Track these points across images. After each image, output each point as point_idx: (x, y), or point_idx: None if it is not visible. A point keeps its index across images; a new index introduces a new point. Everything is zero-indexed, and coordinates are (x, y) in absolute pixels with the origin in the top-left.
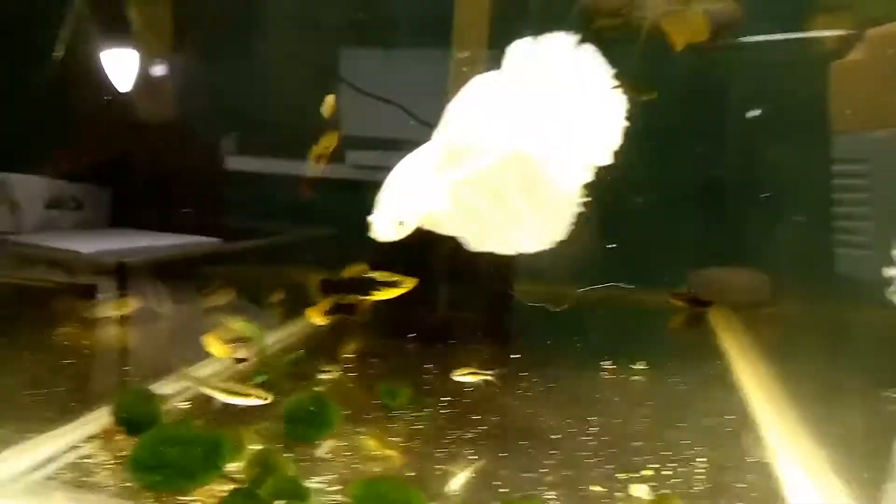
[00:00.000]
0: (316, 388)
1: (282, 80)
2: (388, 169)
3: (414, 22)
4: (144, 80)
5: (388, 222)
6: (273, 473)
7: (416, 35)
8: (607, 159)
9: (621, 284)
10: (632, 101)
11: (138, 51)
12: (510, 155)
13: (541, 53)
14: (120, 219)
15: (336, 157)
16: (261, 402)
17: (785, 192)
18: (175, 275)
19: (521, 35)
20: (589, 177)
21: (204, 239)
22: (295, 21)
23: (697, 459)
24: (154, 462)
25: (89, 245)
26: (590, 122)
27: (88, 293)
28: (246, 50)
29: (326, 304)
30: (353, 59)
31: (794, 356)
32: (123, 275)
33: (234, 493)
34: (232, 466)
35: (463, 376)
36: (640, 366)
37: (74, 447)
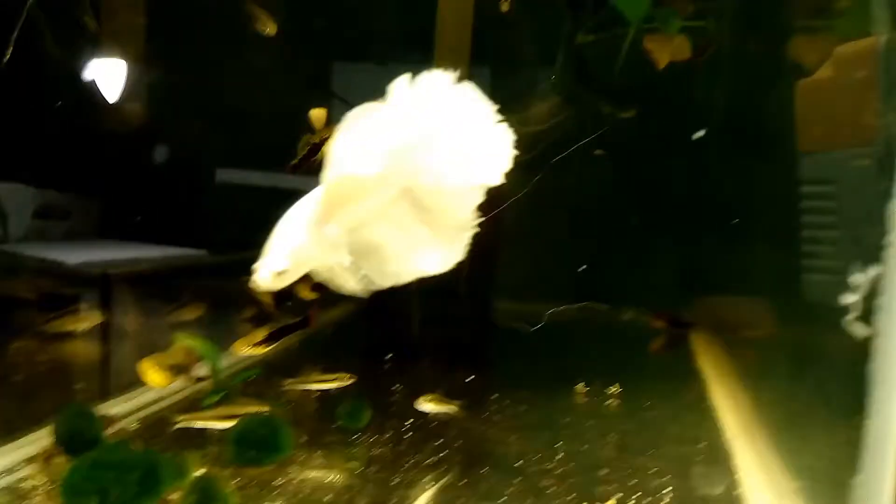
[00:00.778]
0: (274, 408)
1: (266, 91)
2: None
3: (399, 35)
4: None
5: (268, 272)
6: (213, 502)
7: (402, 48)
8: (496, 180)
9: (596, 305)
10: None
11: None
12: (400, 189)
13: (421, 91)
14: (108, 229)
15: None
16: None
17: (761, 212)
18: (158, 287)
19: (504, 51)
20: (479, 200)
21: (190, 251)
22: (282, 32)
23: (664, 490)
24: (88, 487)
25: (74, 256)
26: (475, 149)
27: (55, 306)
28: (228, 59)
29: (258, 335)
30: (340, 72)
31: (768, 382)
32: (106, 286)
33: None
34: (174, 495)
35: (427, 404)
36: (613, 389)
37: (12, 469)
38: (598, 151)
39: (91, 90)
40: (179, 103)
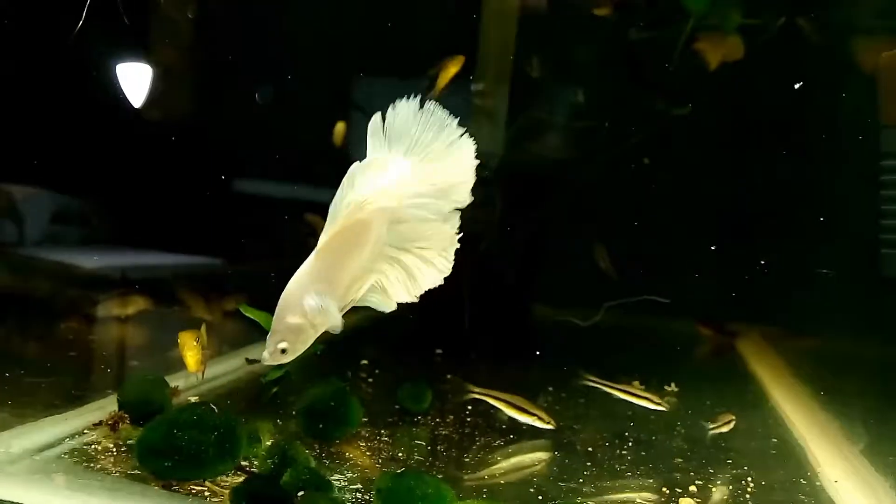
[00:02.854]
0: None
1: (295, 104)
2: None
3: (427, 50)
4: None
5: (269, 354)
6: (292, 465)
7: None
8: (467, 199)
9: (656, 298)
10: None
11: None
12: (388, 220)
13: (392, 121)
14: (123, 235)
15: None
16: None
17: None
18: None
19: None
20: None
21: (206, 259)
22: (313, 46)
23: (745, 479)
24: (164, 446)
25: (91, 260)
26: (446, 168)
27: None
28: (261, 71)
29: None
30: (367, 86)
31: (832, 384)
32: (125, 287)
33: (252, 478)
34: (244, 463)
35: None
36: (670, 388)
37: (79, 433)
38: (645, 160)
39: (115, 95)
40: (200, 112)
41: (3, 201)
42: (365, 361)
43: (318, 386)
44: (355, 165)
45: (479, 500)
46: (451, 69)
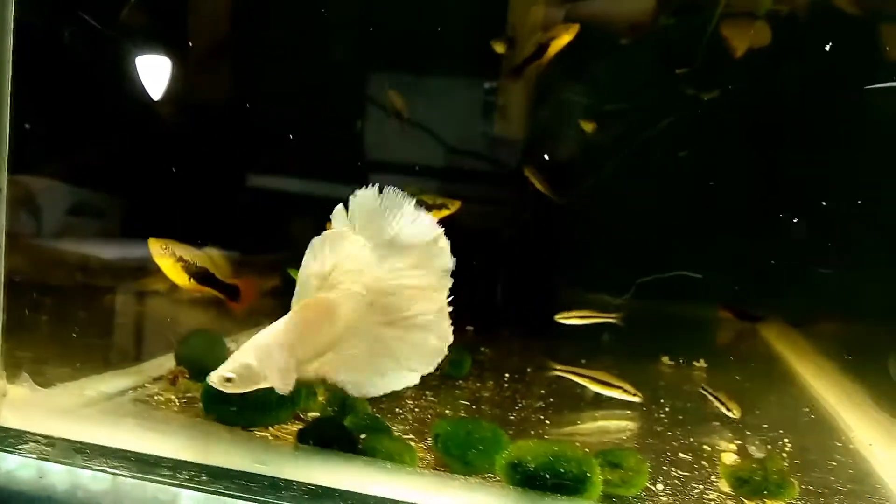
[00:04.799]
0: None
1: (314, 99)
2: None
3: (444, 50)
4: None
5: (217, 378)
6: (351, 412)
7: (447, 63)
8: (446, 286)
9: (689, 273)
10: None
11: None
12: (366, 304)
13: (355, 208)
14: (138, 229)
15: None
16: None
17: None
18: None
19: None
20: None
21: (221, 252)
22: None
23: (781, 441)
24: (228, 395)
25: (109, 251)
26: (422, 256)
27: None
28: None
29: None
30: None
31: (862, 364)
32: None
33: (318, 421)
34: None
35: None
36: (699, 364)
37: (140, 386)
38: (682, 153)
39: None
40: (219, 105)
41: (21, 193)
42: None
43: None
44: (316, 239)
45: (537, 440)
46: (564, 38)
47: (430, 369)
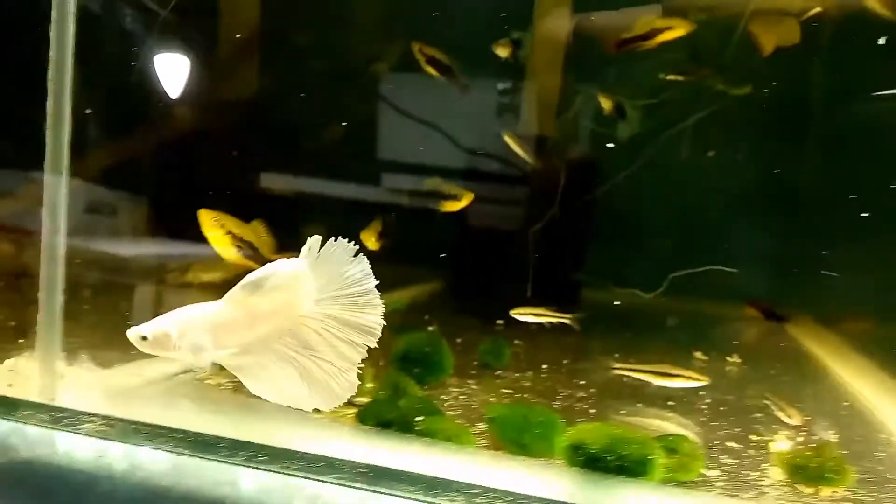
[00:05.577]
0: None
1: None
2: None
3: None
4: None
5: (135, 333)
6: (404, 396)
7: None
8: (374, 339)
9: (723, 268)
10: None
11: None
12: (290, 324)
13: (324, 253)
14: (155, 228)
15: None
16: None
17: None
18: None
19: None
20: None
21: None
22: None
23: (826, 432)
24: None
25: (128, 249)
26: (354, 311)
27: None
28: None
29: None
30: (398, 83)
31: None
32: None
33: (376, 402)
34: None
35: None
36: (733, 359)
37: (190, 370)
38: (710, 153)
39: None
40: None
41: (40, 191)
42: (432, 328)
43: (411, 334)
44: (277, 265)
45: (597, 423)
46: (677, 31)
47: (326, 409)
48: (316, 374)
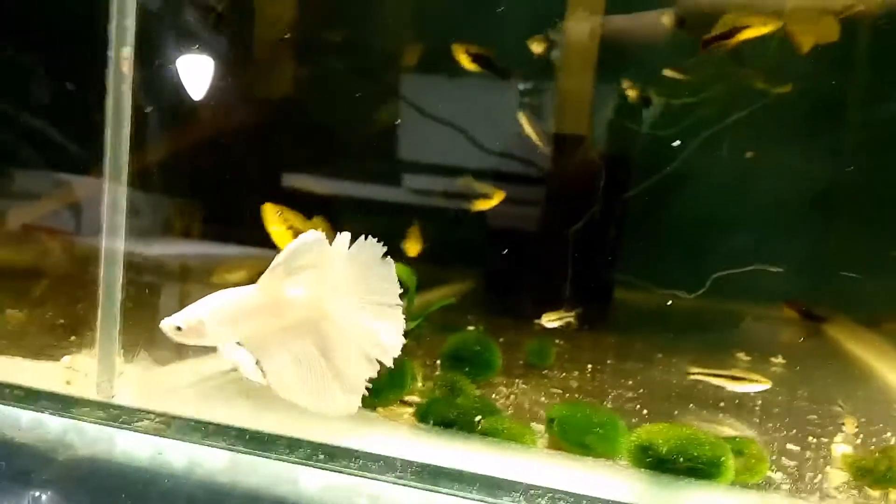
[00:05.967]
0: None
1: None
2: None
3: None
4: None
5: (168, 325)
6: (461, 395)
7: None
8: (391, 358)
9: (767, 267)
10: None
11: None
12: (315, 317)
13: (356, 252)
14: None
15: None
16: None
17: None
18: None
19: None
20: (374, 372)
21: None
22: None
23: (884, 434)
24: None
25: (151, 249)
26: (379, 320)
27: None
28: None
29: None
30: (419, 84)
31: None
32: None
33: (435, 401)
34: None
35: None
36: (777, 360)
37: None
38: (749, 154)
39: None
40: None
41: (64, 191)
42: (472, 328)
43: (459, 333)
44: (312, 234)
45: (665, 424)
46: (759, 29)
47: (330, 413)
48: (324, 383)
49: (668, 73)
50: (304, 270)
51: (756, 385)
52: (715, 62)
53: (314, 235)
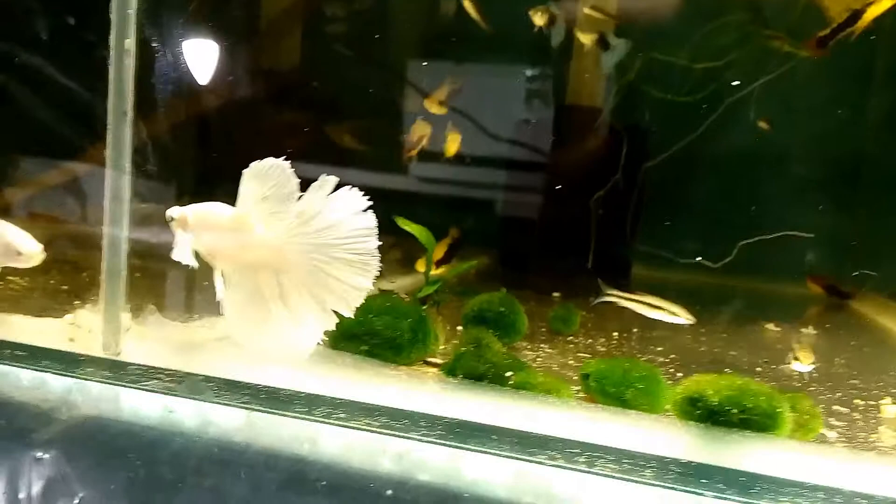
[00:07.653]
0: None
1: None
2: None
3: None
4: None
5: (169, 214)
6: (486, 350)
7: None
8: (351, 309)
9: (797, 234)
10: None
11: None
12: (276, 259)
13: (335, 200)
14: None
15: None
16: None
17: None
18: None
19: None
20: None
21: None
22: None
23: None
24: (361, 330)
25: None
26: (348, 271)
27: None
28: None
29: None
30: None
31: None
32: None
33: (461, 354)
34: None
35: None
36: (807, 329)
37: None
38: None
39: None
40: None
41: (68, 179)
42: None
43: (485, 294)
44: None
45: (715, 374)
46: (884, 3)
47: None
48: (277, 328)
49: (588, 11)
50: (274, 203)
51: (676, 318)
52: (736, 26)
53: (273, 161)
